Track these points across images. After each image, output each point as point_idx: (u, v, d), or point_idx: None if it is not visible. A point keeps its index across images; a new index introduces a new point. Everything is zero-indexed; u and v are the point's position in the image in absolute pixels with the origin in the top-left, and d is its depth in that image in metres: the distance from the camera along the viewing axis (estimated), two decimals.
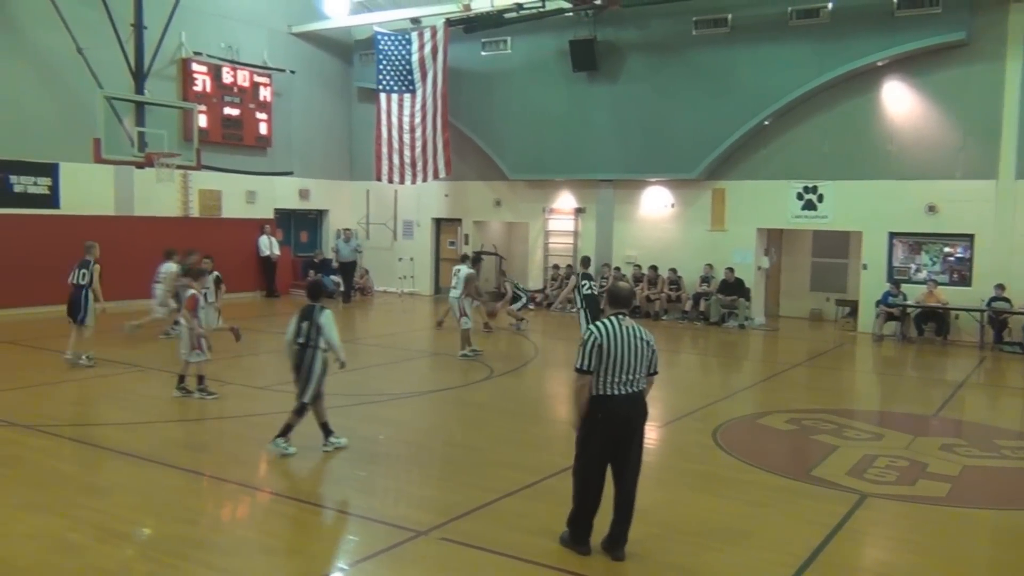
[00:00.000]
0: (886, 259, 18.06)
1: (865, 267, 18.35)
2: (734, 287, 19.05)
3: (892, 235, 17.99)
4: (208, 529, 6.50)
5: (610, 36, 20.29)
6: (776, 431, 9.76)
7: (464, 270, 14.50)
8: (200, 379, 10.58)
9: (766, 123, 18.84)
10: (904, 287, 17.46)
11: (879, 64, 17.52)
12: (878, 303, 17.56)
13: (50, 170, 18.33)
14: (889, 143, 17.78)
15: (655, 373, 5.94)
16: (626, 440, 5.79)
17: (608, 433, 5.73)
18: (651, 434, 9.57)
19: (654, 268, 20.15)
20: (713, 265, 19.59)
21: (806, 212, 18.80)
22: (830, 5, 17.65)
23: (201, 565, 5.61)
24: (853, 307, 18.94)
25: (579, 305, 13.65)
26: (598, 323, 5.80)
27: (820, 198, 18.58)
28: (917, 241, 17.82)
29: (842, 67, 17.68)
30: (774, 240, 20.62)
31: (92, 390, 11.32)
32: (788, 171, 18.91)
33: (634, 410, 5.81)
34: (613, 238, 21.39)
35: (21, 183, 17.91)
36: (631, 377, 5.73)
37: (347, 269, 22.77)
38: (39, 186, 18.21)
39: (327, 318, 8.14)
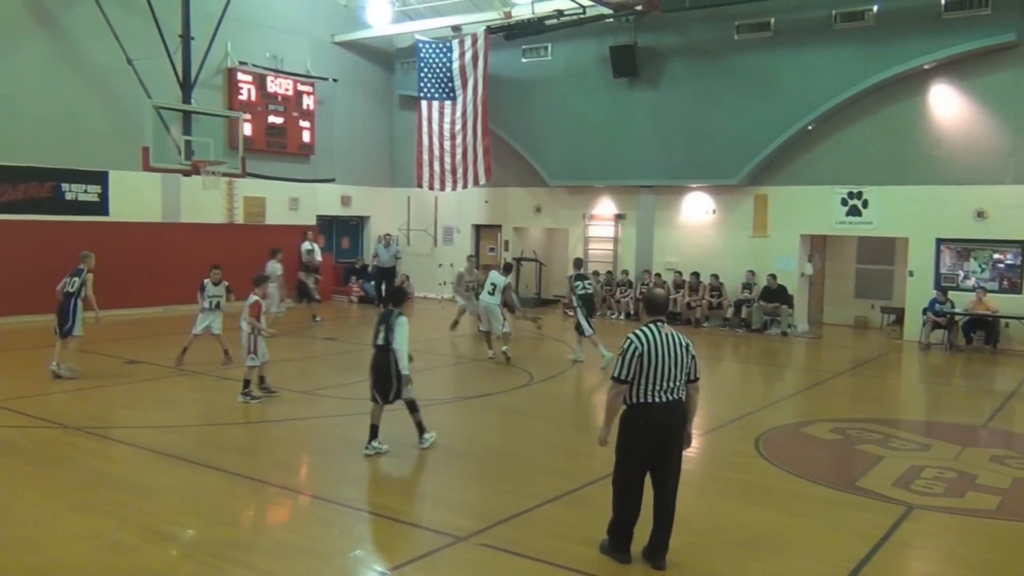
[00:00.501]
0: (933, 266, 17.71)
1: (911, 274, 18.02)
2: (777, 294, 18.83)
3: (939, 241, 17.65)
4: (250, 531, 6.60)
5: (651, 41, 20.22)
6: (820, 440, 9.63)
7: (502, 279, 14.56)
8: (261, 379, 10.89)
9: (809, 128, 18.62)
10: (952, 294, 17.11)
11: (926, 67, 17.22)
12: (925, 311, 17.23)
13: (100, 178, 18.77)
14: (936, 148, 17.46)
15: (696, 380, 5.88)
16: (666, 448, 5.74)
17: (648, 441, 5.69)
18: (692, 442, 9.51)
19: (695, 275, 20.00)
20: (755, 272, 19.38)
21: (850, 218, 18.53)
22: (875, 8, 17.40)
23: (244, 567, 5.69)
24: (899, 315, 18.61)
25: (575, 304, 14.36)
26: (637, 331, 5.73)
27: (865, 204, 18.30)
28: (965, 247, 17.46)
29: (888, 71, 17.41)
30: (817, 246, 20.34)
31: (140, 393, 11.54)
32: (832, 176, 18.65)
33: (674, 418, 5.75)
34: (653, 244, 21.28)
35: (72, 191, 18.37)
36: (671, 385, 5.68)
37: (386, 275, 22.93)
38: (89, 194, 18.66)
39: (401, 324, 8.38)
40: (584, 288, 14.46)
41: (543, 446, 9.11)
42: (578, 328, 14.30)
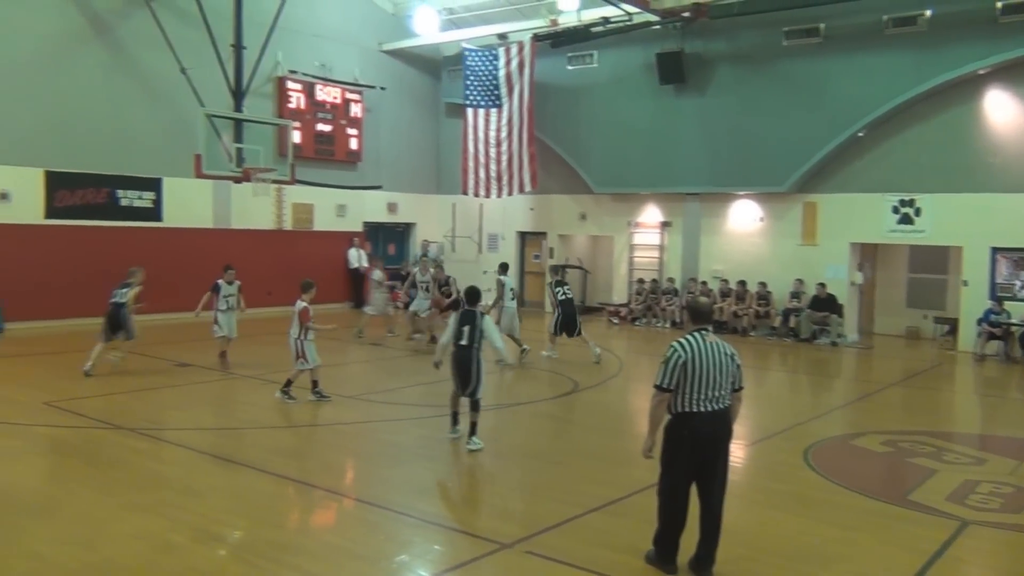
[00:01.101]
0: (988, 275, 17.28)
1: (966, 283, 17.60)
2: (826, 303, 18.53)
3: (995, 250, 17.21)
4: (297, 534, 6.67)
5: (698, 48, 20.09)
6: (871, 453, 9.45)
7: (508, 280, 15.62)
8: (314, 384, 11.05)
9: (860, 135, 18.33)
10: (1007, 304, 16.69)
11: (981, 72, 16.85)
12: (979, 321, 16.82)
13: (154, 185, 19.20)
14: (992, 155, 17.05)
15: (741, 388, 5.82)
16: (712, 458, 5.67)
17: (694, 451, 5.62)
18: (739, 452, 9.40)
19: (742, 283, 19.78)
20: (804, 280, 19.10)
21: (902, 226, 18.17)
22: (929, 13, 17.07)
23: (291, 569, 5.75)
24: (952, 325, 18.18)
25: (555, 311, 15.31)
26: (681, 340, 5.67)
27: (917, 212, 17.94)
28: (1022, 256, 17.01)
29: (941, 76, 17.07)
30: (868, 255, 19.99)
31: (190, 395, 11.75)
32: (883, 184, 18.33)
33: (720, 427, 5.69)
34: (700, 252, 21.10)
35: (127, 197, 18.81)
36: (717, 394, 5.62)
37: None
38: (144, 200, 19.09)
39: (489, 323, 9.00)
40: (564, 294, 15.33)
41: (587, 454, 9.07)
42: (553, 329, 15.24)
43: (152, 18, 18.04)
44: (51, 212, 17.62)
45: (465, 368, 8.91)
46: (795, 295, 19.15)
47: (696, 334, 5.70)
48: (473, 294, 9.33)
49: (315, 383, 11.10)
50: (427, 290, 16.85)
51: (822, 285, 18.60)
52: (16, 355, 14.50)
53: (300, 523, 7.04)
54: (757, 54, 19.47)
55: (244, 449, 8.84)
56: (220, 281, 13.68)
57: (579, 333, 15.10)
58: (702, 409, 5.60)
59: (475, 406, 8.98)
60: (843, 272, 19.00)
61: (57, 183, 17.68)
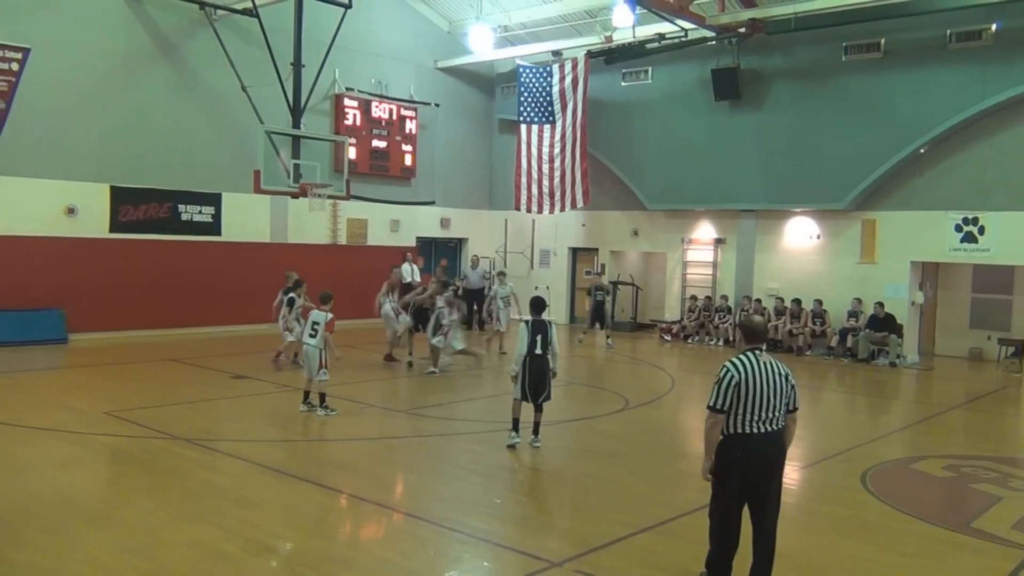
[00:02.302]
0: None
1: None
2: (885, 323, 18.10)
3: None
4: (348, 546, 6.71)
5: (754, 64, 19.91)
6: (932, 477, 9.18)
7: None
8: (322, 397, 11.09)
9: (922, 151, 17.94)
10: None
11: None
12: None
13: (214, 200, 19.64)
14: None
15: (796, 410, 5.68)
16: (765, 481, 5.53)
17: (747, 474, 5.49)
18: (795, 475, 9.21)
19: (797, 301, 19.44)
20: (862, 299, 18.71)
21: (965, 245, 17.71)
22: (994, 27, 16.67)
23: None
24: (1018, 347, 17.61)
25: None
26: (735, 360, 5.55)
27: (981, 230, 17.47)
28: None
29: (1007, 91, 16.65)
30: (929, 274, 19.50)
31: (245, 407, 11.94)
32: (946, 201, 17.89)
33: (774, 450, 5.56)
34: (754, 269, 20.82)
35: (188, 211, 19.26)
36: (771, 415, 5.49)
37: (475, 296, 23.10)
38: (203, 214, 19.53)
39: (554, 331, 9.54)
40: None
41: (638, 473, 8.98)
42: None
43: (215, 37, 18.51)
44: (115, 226, 18.12)
45: (541, 377, 9.43)
46: (853, 314, 18.75)
47: (750, 354, 5.58)
48: (539, 304, 9.78)
49: (322, 396, 11.13)
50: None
51: (881, 304, 18.19)
52: (79, 365, 14.91)
53: (351, 536, 7.09)
54: (815, 70, 19.21)
55: (296, 461, 8.94)
56: (293, 295, 14.34)
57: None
58: (756, 431, 5.47)
59: (540, 408, 9.58)
60: (903, 291, 18.56)
61: (122, 198, 18.19)
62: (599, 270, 23.57)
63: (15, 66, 16.53)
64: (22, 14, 16.62)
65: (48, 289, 16.84)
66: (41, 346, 16.17)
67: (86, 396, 11.91)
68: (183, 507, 7.24)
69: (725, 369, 5.54)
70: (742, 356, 5.59)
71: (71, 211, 17.46)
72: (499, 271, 21.32)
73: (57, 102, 17.03)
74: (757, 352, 5.60)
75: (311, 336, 11.14)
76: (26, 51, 16.60)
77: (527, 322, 9.60)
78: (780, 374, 5.56)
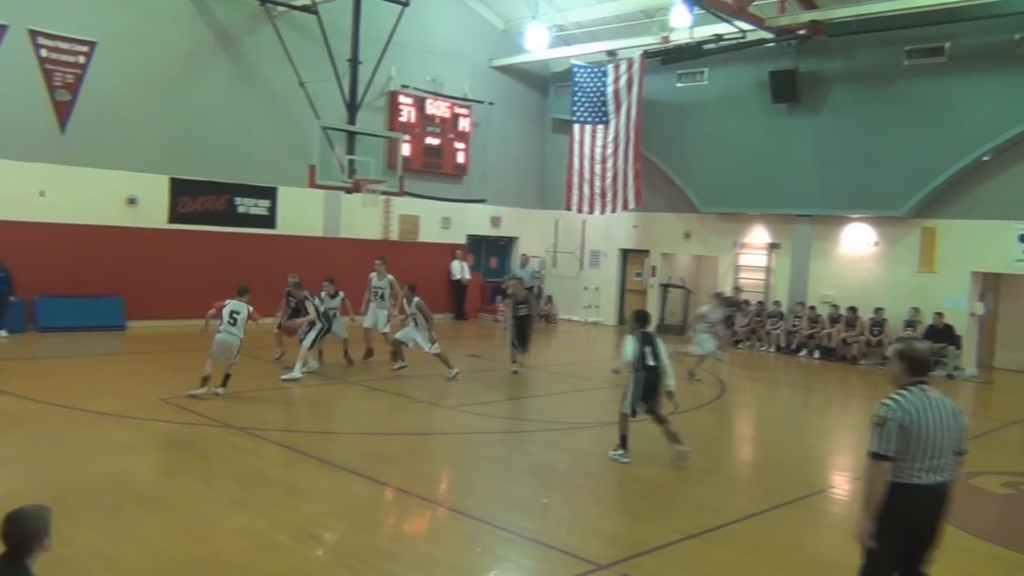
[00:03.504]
0: None
1: None
2: (943, 334, 17.65)
3: None
4: (394, 540, 6.75)
5: (813, 67, 19.57)
6: (991, 494, 8.92)
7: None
8: (227, 378, 11.35)
9: (985, 159, 17.46)
10: None
11: None
12: None
13: (270, 193, 19.96)
14: None
15: (964, 452, 4.79)
16: (928, 541, 4.70)
17: (909, 533, 4.65)
18: (846, 487, 9.05)
19: (852, 309, 19.07)
20: (920, 309, 18.28)
21: None
22: None
23: (387, 575, 5.82)
24: None
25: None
26: (897, 396, 4.65)
27: None
28: None
29: None
30: (991, 285, 18.97)
31: (297, 398, 12.10)
32: (1010, 211, 17.37)
33: (940, 504, 4.68)
34: (809, 276, 20.47)
35: (244, 204, 19.60)
36: (940, 462, 4.60)
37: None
38: (259, 207, 19.85)
39: (662, 344, 9.26)
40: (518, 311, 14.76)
41: (687, 478, 8.88)
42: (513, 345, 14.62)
43: (275, 33, 18.79)
44: (174, 217, 18.52)
45: (655, 391, 9.16)
46: (909, 324, 18.33)
47: (915, 388, 4.67)
48: (644, 316, 9.61)
49: (227, 377, 11.39)
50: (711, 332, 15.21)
51: (939, 315, 17.75)
52: (136, 352, 15.26)
53: (398, 530, 7.13)
54: (876, 73, 18.82)
55: (345, 453, 9.03)
56: (322, 294, 14.15)
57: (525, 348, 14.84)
58: (923, 481, 4.59)
59: (661, 418, 9.28)
60: (962, 302, 18.09)
61: (180, 190, 18.58)
62: (651, 273, 23.42)
63: (82, 59, 17.02)
64: (89, 8, 17.07)
65: (109, 277, 17.29)
66: (101, 332, 16.59)
67: (143, 382, 12.19)
68: (234, 494, 7.37)
69: (887, 407, 4.62)
70: (906, 392, 4.67)
71: (132, 201, 17.89)
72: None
73: (120, 95, 17.45)
74: (923, 386, 4.70)
75: (231, 324, 11.29)
76: (92, 44, 17.08)
77: (634, 333, 9.37)
78: (950, 411, 4.68)
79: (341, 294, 14.24)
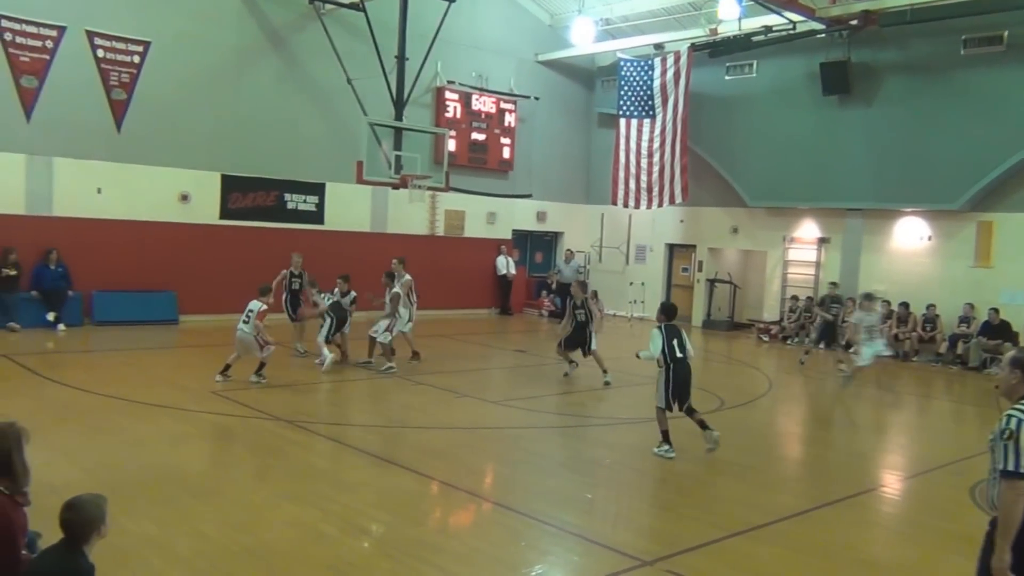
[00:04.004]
0: None
1: None
2: (999, 330, 17.21)
3: None
4: (440, 533, 6.81)
5: (865, 57, 19.19)
6: None
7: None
8: (261, 365, 11.90)
9: None
10: None
11: None
12: None
13: (318, 189, 20.21)
14: None
15: None
16: None
17: None
18: (898, 485, 8.90)
19: (905, 305, 18.69)
20: (974, 305, 17.84)
21: None
22: None
23: (433, 567, 5.88)
24: None
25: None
26: (1022, 407, 4.15)
27: None
28: None
29: None
30: None
31: (345, 393, 12.26)
32: None
33: None
34: (859, 271, 20.09)
35: (293, 200, 19.88)
36: None
37: (568, 291, 23.01)
38: (308, 203, 20.12)
39: (687, 337, 9.41)
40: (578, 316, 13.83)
41: (731, 475, 8.81)
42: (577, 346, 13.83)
43: (323, 31, 19.01)
44: (225, 213, 18.86)
45: (687, 383, 9.21)
46: (964, 320, 17.91)
47: None
48: (670, 309, 9.77)
49: (262, 365, 11.91)
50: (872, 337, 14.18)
51: (995, 310, 17.30)
52: (188, 345, 15.58)
53: (443, 523, 7.19)
54: (931, 64, 18.38)
55: (391, 447, 9.12)
56: (335, 290, 14.20)
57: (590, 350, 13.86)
58: None
59: (691, 410, 9.33)
60: (1020, 298, 17.60)
61: (231, 186, 18.91)
62: (698, 268, 23.23)
63: (136, 59, 17.41)
64: (144, 9, 17.43)
65: (162, 272, 17.66)
66: (154, 326, 16.98)
67: (195, 375, 12.44)
68: (283, 486, 7.50)
69: (1015, 419, 4.06)
70: None
71: (185, 198, 18.26)
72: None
73: (173, 93, 17.80)
74: None
75: (244, 322, 11.82)
76: (147, 44, 17.45)
77: (660, 326, 9.39)
78: None
79: (352, 294, 13.97)
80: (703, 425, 9.27)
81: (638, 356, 9.55)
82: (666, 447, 9.13)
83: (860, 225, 20.00)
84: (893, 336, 18.58)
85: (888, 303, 18.96)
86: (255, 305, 11.91)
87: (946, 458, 9.95)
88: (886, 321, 17.08)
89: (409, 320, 14.38)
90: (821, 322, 18.36)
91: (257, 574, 5.69)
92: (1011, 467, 4.00)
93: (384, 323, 13.66)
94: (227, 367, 11.84)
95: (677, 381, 9.14)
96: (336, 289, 14.16)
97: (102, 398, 10.54)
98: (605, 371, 13.39)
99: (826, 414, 13.29)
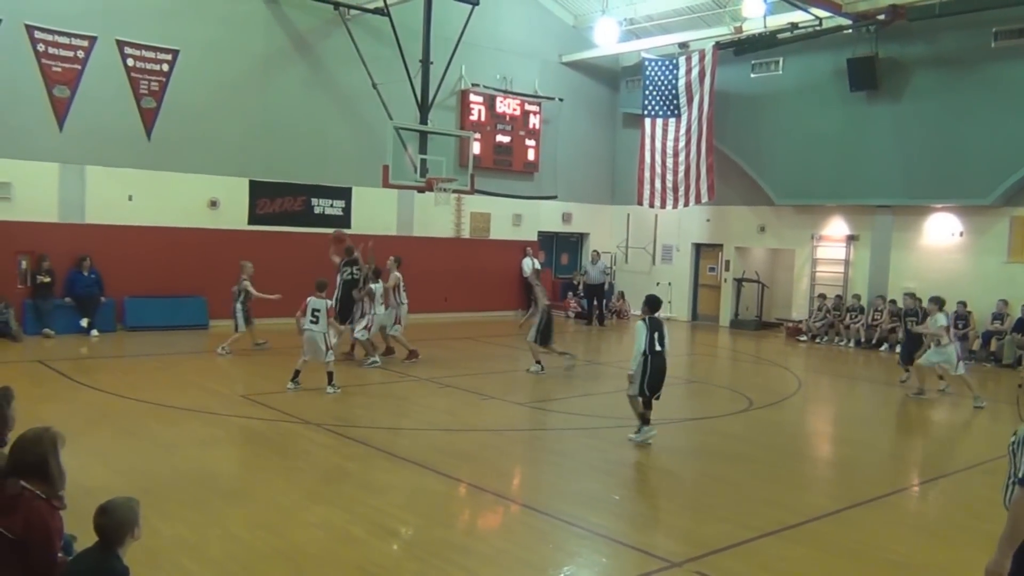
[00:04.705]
0: None
1: None
2: None
3: None
4: (467, 535, 6.83)
5: (893, 52, 18.97)
6: None
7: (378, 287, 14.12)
8: (330, 376, 11.76)
9: None
10: None
11: None
12: None
13: (345, 194, 20.35)
14: None
15: None
16: None
17: None
18: (929, 485, 8.79)
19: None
20: (1008, 301, 17.57)
21: None
22: None
23: (461, 569, 5.89)
24: None
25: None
26: None
27: None
28: None
29: None
30: None
31: (373, 395, 12.33)
32: None
33: None
34: (889, 268, 19.87)
35: (320, 205, 20.04)
36: None
37: (595, 291, 23.03)
38: (335, 208, 20.27)
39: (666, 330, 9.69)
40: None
41: (761, 475, 8.74)
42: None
43: (348, 36, 19.14)
44: (253, 218, 19.04)
45: (662, 374, 9.48)
46: (998, 316, 17.64)
47: None
48: (655, 302, 9.81)
49: (331, 375, 11.82)
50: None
51: None
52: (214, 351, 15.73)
53: (470, 525, 7.21)
54: (961, 57, 18.13)
55: (419, 449, 9.16)
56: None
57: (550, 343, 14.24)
58: None
59: (650, 405, 9.66)
60: None
61: (259, 192, 19.10)
62: (726, 267, 23.08)
63: (166, 67, 17.64)
64: (172, 18, 17.66)
65: (192, 277, 17.86)
66: (185, 331, 17.18)
67: (225, 379, 12.58)
68: (313, 489, 7.56)
69: None
70: None
71: (214, 204, 18.46)
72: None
73: (202, 100, 18.01)
74: None
75: (313, 323, 11.75)
76: (175, 52, 17.67)
77: (645, 319, 9.53)
78: None
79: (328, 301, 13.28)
80: (644, 419, 9.57)
81: (631, 377, 9.55)
82: (646, 428, 9.51)
83: (890, 222, 19.77)
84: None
85: (919, 300, 18.68)
86: (320, 303, 11.86)
87: (979, 457, 9.81)
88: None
89: (396, 322, 14.70)
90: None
91: (286, 575, 5.74)
92: (1020, 474, 3.91)
93: (363, 321, 14.02)
94: (297, 373, 11.83)
95: (654, 373, 9.41)
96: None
97: (134, 402, 10.69)
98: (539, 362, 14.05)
99: (856, 413, 13.14)
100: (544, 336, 13.99)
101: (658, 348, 9.39)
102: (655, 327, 9.46)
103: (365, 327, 14.00)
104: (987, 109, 17.69)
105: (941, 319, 13.22)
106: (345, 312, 14.47)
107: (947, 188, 18.32)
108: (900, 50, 18.94)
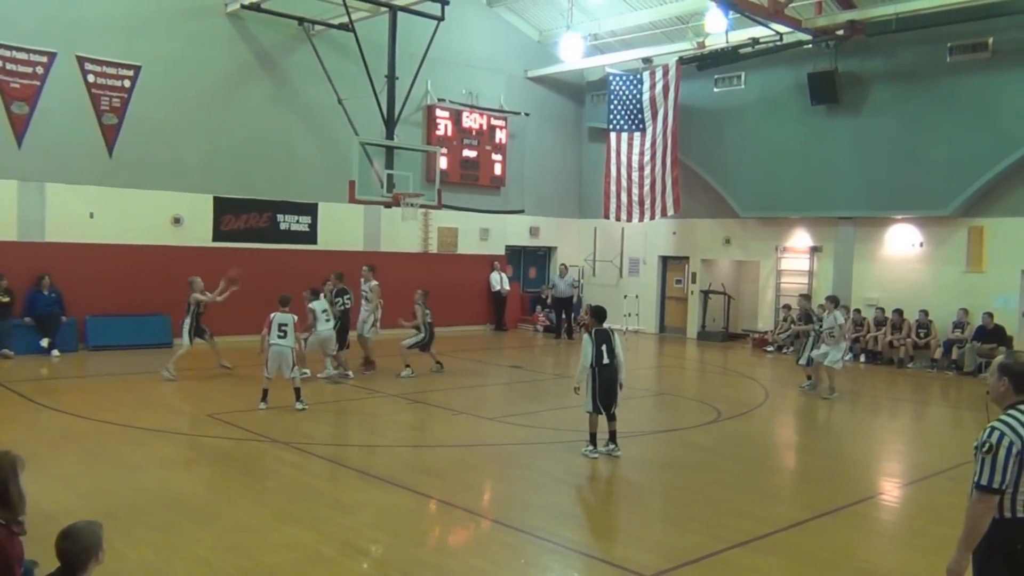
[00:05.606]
0: None
1: None
2: (994, 335, 17.25)
3: None
4: (439, 552, 6.79)
5: (853, 67, 19.33)
6: None
7: (319, 304, 14.21)
8: (298, 392, 11.68)
9: None
10: None
11: None
12: None
13: (311, 209, 20.23)
14: None
15: None
16: None
17: (1018, 571, 4.14)
18: (896, 492, 8.90)
19: (899, 312, 18.74)
20: (968, 310, 17.90)
21: None
22: None
23: None
24: None
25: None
26: (1006, 420, 4.09)
27: None
28: None
29: None
30: None
31: (340, 412, 12.22)
32: None
33: None
34: (852, 279, 20.16)
35: (286, 221, 19.90)
36: None
37: (563, 305, 23.12)
38: (301, 224, 20.13)
39: (619, 340, 9.58)
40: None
41: (731, 486, 8.79)
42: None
43: (313, 52, 19.08)
44: (218, 235, 18.84)
45: (612, 386, 9.38)
46: (958, 325, 17.96)
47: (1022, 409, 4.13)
48: (600, 312, 9.80)
49: (299, 391, 11.71)
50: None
51: (989, 315, 17.35)
52: (183, 369, 15.46)
53: (441, 542, 7.16)
54: (918, 71, 18.52)
55: (388, 466, 9.09)
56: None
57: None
58: None
59: (613, 417, 9.54)
60: (1013, 302, 17.68)
61: (224, 208, 18.91)
62: (692, 280, 23.25)
63: (127, 83, 17.45)
64: (133, 33, 17.47)
65: (156, 295, 17.59)
66: (149, 350, 16.92)
67: (190, 399, 12.40)
68: (281, 508, 7.46)
69: (997, 433, 4.03)
70: (1016, 413, 4.11)
71: (177, 221, 18.25)
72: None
73: (165, 117, 17.82)
74: None
75: (281, 337, 11.58)
76: (137, 68, 17.49)
77: (591, 332, 9.53)
78: None
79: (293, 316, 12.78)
80: (613, 437, 9.53)
81: (576, 389, 9.67)
82: (590, 448, 9.49)
83: (852, 233, 20.08)
84: (888, 343, 18.65)
85: (882, 310, 19.02)
86: (287, 318, 11.69)
87: (944, 464, 9.95)
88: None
89: (373, 324, 15.16)
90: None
91: None
92: (984, 481, 4.02)
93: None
94: (265, 393, 11.61)
95: (603, 386, 9.33)
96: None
97: (97, 424, 10.50)
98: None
99: (823, 423, 13.29)
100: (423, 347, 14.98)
101: (606, 360, 9.32)
102: (602, 339, 9.41)
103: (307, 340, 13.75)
104: (944, 122, 18.07)
105: (839, 316, 14.10)
106: (342, 339, 14.72)
107: (907, 199, 18.66)
108: (859, 65, 19.30)
